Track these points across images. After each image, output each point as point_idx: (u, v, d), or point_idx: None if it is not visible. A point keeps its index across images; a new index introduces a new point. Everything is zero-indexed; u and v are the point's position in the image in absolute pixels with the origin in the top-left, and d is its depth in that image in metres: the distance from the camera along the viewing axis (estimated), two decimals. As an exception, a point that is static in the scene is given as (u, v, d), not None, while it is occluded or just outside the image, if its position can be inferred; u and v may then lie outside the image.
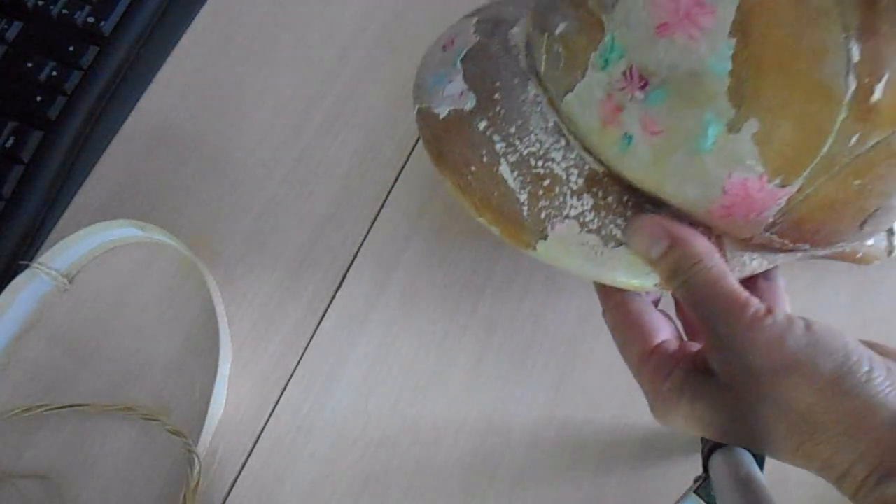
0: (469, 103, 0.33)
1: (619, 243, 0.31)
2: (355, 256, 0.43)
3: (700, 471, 0.36)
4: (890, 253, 0.35)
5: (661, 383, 0.29)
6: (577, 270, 0.31)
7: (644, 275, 0.31)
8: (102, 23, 0.46)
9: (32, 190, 0.43)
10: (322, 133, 0.46)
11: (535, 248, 0.31)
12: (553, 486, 0.38)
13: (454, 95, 0.34)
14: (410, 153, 0.45)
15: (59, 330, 0.42)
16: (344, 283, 0.42)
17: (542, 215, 0.31)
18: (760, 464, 0.34)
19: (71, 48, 0.46)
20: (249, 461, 0.39)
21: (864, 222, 0.29)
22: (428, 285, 0.42)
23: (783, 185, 0.27)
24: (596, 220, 0.31)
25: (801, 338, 0.26)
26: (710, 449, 0.35)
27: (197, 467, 0.37)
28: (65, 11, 0.46)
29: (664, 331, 0.31)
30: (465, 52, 0.35)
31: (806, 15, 0.24)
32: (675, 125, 0.27)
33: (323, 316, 0.42)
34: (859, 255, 0.35)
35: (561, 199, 0.31)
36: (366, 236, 0.43)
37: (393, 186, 0.44)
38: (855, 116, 0.25)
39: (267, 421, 0.40)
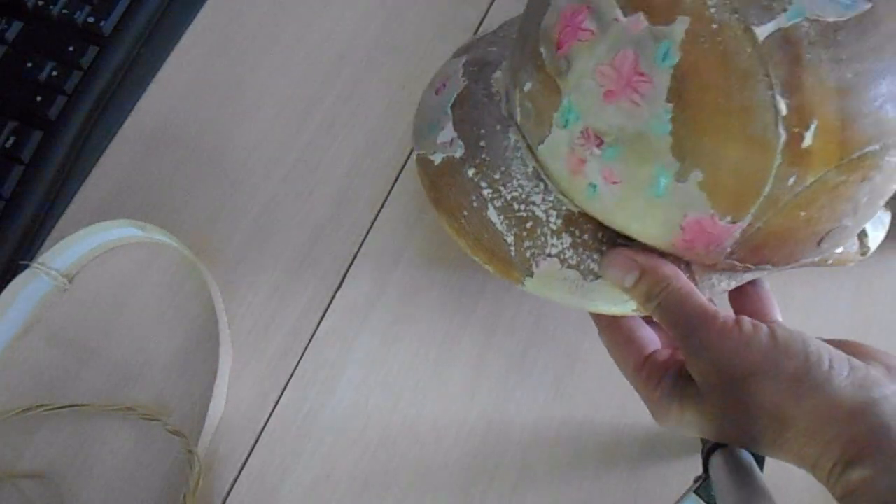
0: (459, 151, 0.36)
1: (597, 276, 0.34)
2: (355, 256, 0.43)
3: (700, 471, 0.36)
4: (864, 254, 0.36)
5: (654, 390, 0.31)
6: (561, 302, 0.34)
7: (622, 302, 0.34)
8: (102, 23, 0.46)
9: (32, 190, 0.43)
10: (322, 133, 0.46)
11: (523, 284, 0.35)
12: (553, 486, 0.38)
13: (446, 143, 0.37)
14: (410, 153, 0.45)
15: (59, 330, 0.42)
16: (344, 283, 0.42)
17: (528, 254, 0.35)
18: (760, 464, 0.34)
19: (71, 48, 0.46)
20: (249, 461, 0.39)
21: (821, 240, 0.31)
22: (428, 285, 0.42)
23: (734, 222, 0.29)
24: (574, 257, 0.34)
25: (765, 343, 0.28)
26: (710, 449, 0.35)
27: (197, 467, 0.37)
28: (65, 11, 0.46)
29: (655, 342, 0.34)
30: (454, 97, 0.38)
31: (733, 78, 0.26)
32: (631, 176, 0.30)
33: (323, 316, 0.42)
34: (830, 262, 0.36)
35: (542, 239, 0.34)
36: (366, 236, 0.43)
37: (393, 186, 0.44)
38: (789, 162, 0.27)
39: (267, 421, 0.40)
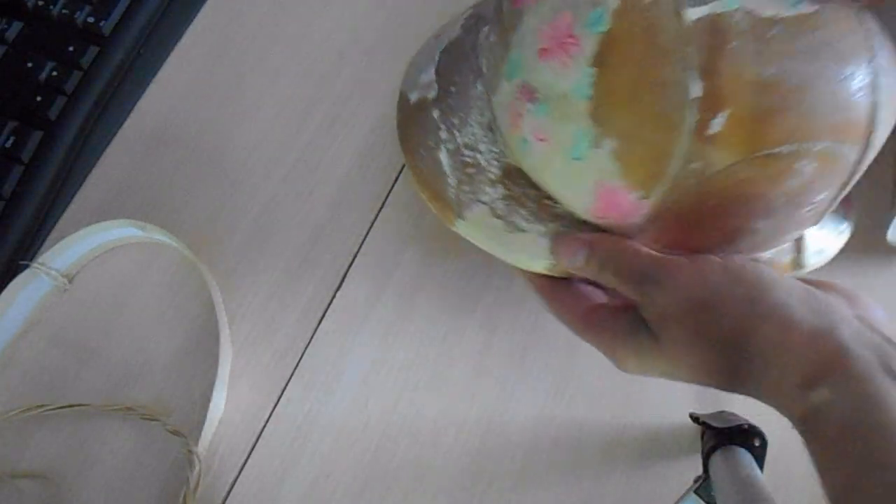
0: (432, 93, 0.38)
1: (521, 230, 0.35)
2: (355, 256, 0.43)
3: (700, 471, 0.36)
4: (798, 267, 0.36)
5: (609, 334, 0.31)
6: (487, 249, 0.36)
7: (540, 257, 0.35)
8: (102, 23, 0.46)
9: (32, 190, 0.43)
10: (322, 133, 0.46)
11: (455, 225, 0.36)
12: (553, 486, 0.38)
13: (425, 84, 0.38)
14: (410, 153, 0.45)
15: (59, 330, 0.42)
16: (344, 283, 0.42)
17: (464, 198, 0.36)
18: (760, 464, 0.34)
19: (71, 48, 0.46)
20: (249, 461, 0.39)
21: (734, 239, 0.31)
22: (428, 285, 0.42)
23: (644, 198, 0.30)
24: (503, 208, 0.35)
25: (718, 271, 0.28)
26: (710, 449, 0.35)
27: (197, 467, 0.37)
28: (65, 11, 0.46)
29: (598, 295, 0.34)
30: (445, 44, 0.39)
31: (653, 53, 0.27)
32: (555, 135, 0.31)
33: (323, 316, 0.42)
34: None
35: (480, 186, 0.36)
36: (366, 236, 0.43)
37: (393, 186, 0.44)
38: (695, 145, 0.28)
39: (267, 421, 0.40)
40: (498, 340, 0.41)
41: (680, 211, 0.30)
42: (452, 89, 0.37)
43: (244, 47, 0.48)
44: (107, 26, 0.47)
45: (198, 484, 0.37)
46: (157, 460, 0.39)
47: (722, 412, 0.38)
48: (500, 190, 0.35)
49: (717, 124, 0.27)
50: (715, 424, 0.36)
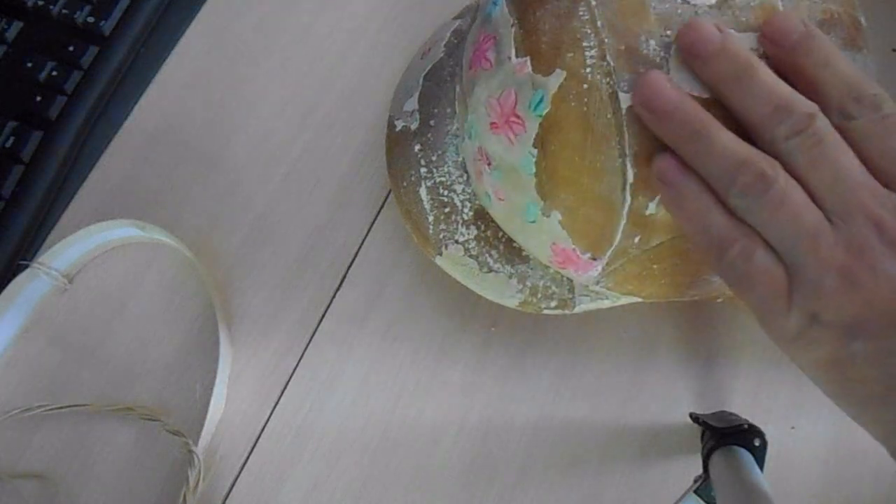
0: (415, 123, 0.39)
1: (490, 270, 0.37)
2: (355, 256, 0.43)
3: (700, 471, 0.36)
4: None
5: None
6: (462, 282, 0.38)
7: (510, 296, 0.37)
8: (102, 23, 0.46)
9: (32, 190, 0.43)
10: (322, 133, 0.46)
11: (434, 259, 0.38)
12: (553, 485, 0.38)
13: (408, 112, 0.40)
14: (410, 153, 0.45)
15: (59, 330, 0.42)
16: (344, 283, 0.42)
17: (441, 236, 0.38)
18: (760, 464, 0.34)
19: (71, 48, 0.46)
20: (249, 461, 0.39)
21: (689, 289, 0.32)
22: (427, 285, 0.42)
23: (594, 259, 0.31)
24: (476, 248, 0.37)
25: None
26: (710, 449, 0.35)
27: (197, 467, 0.37)
28: (65, 11, 0.46)
29: None
30: (429, 67, 0.40)
31: (591, 139, 0.28)
32: (510, 199, 0.32)
33: (323, 316, 0.42)
34: (720, 300, 0.37)
35: (455, 226, 0.37)
36: (366, 236, 0.43)
37: (393, 186, 0.44)
38: (633, 224, 0.29)
39: (267, 421, 0.40)
40: (498, 340, 0.41)
41: (628, 271, 0.31)
42: (432, 122, 0.38)
43: (244, 47, 0.48)
44: (107, 26, 0.46)
45: (198, 484, 0.37)
46: (157, 460, 0.39)
47: (722, 412, 0.38)
48: (473, 231, 0.37)
49: (653, 206, 0.28)
50: (715, 424, 0.36)
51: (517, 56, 0.29)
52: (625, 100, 0.27)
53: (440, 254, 0.38)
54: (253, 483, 0.39)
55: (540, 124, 0.29)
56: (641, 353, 0.40)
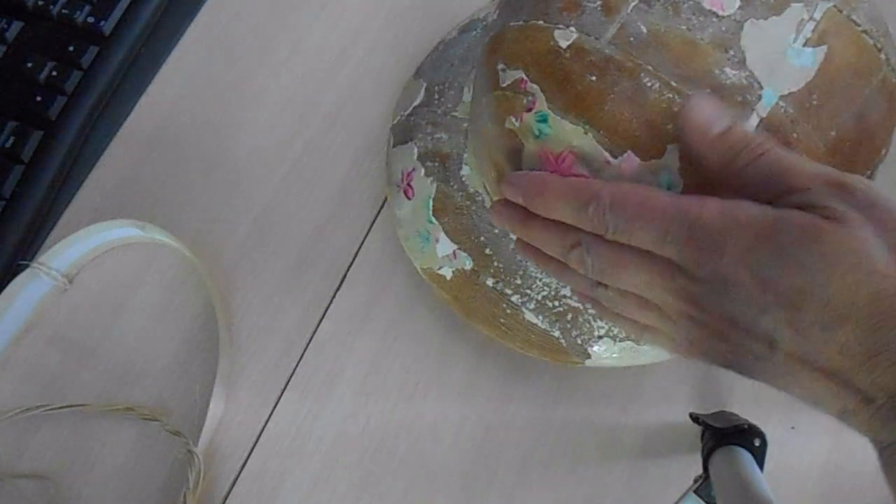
0: (468, 263, 0.38)
1: (628, 338, 0.36)
2: (355, 256, 0.43)
3: (700, 471, 0.36)
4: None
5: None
6: (620, 365, 0.37)
7: (666, 356, 0.37)
8: (102, 23, 0.46)
9: (32, 190, 0.43)
10: (322, 133, 0.46)
11: (584, 364, 0.37)
12: (553, 485, 0.38)
13: (449, 256, 0.38)
14: (410, 153, 0.45)
15: (59, 330, 0.42)
16: (344, 283, 0.42)
17: (579, 341, 0.36)
18: (760, 464, 0.34)
19: (71, 48, 0.46)
20: (249, 461, 0.39)
21: None
22: (428, 285, 0.42)
23: None
24: (622, 331, 0.36)
25: None
26: (710, 449, 0.35)
27: (197, 467, 0.37)
28: (65, 11, 0.46)
29: None
30: (431, 202, 0.38)
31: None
32: None
33: (323, 316, 0.42)
34: None
35: (587, 325, 0.36)
36: (366, 236, 0.43)
37: (393, 186, 0.44)
38: None
39: (267, 421, 0.40)
40: (498, 340, 0.41)
41: None
42: (488, 251, 0.37)
43: (244, 47, 0.48)
44: (107, 26, 0.46)
45: (198, 484, 0.37)
46: (157, 460, 0.39)
47: (722, 412, 0.38)
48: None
49: None
50: (715, 424, 0.36)
51: (614, 156, 0.28)
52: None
53: (588, 357, 0.37)
54: (253, 483, 0.39)
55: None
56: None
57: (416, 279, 0.42)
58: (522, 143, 0.30)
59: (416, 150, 0.40)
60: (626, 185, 0.27)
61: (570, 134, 0.28)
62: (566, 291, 0.36)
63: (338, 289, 0.42)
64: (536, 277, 0.36)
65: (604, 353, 0.36)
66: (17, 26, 0.47)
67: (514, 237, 0.35)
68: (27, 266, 0.41)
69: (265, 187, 0.44)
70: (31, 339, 0.42)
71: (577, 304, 0.36)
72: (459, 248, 0.38)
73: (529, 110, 0.29)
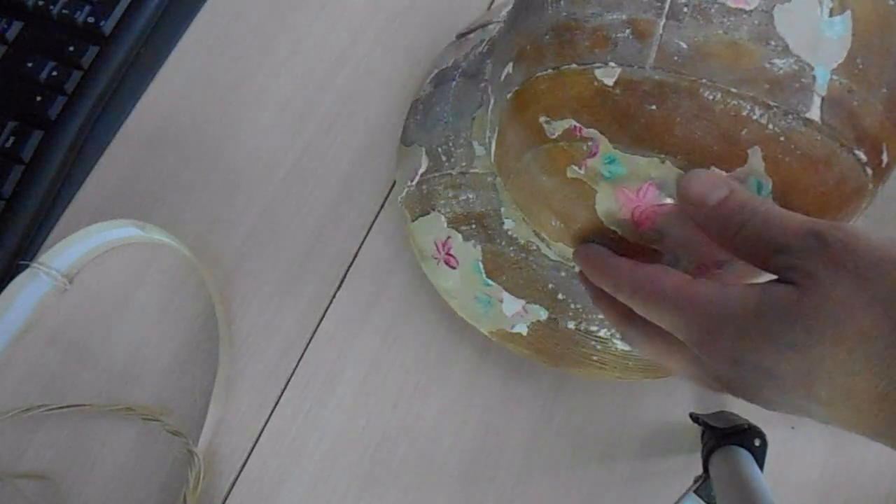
0: (542, 314, 0.37)
1: None
2: (355, 256, 0.43)
3: (700, 471, 0.36)
4: None
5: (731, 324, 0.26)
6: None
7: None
8: (102, 23, 0.46)
9: (32, 190, 0.43)
10: (322, 133, 0.46)
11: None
12: (553, 485, 0.38)
13: (519, 312, 0.37)
14: (410, 153, 0.45)
15: (59, 330, 0.42)
16: (344, 283, 0.42)
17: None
18: (760, 464, 0.34)
19: (71, 48, 0.46)
20: (249, 461, 0.39)
21: None
22: (427, 285, 0.42)
23: None
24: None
25: None
26: (710, 449, 0.35)
27: (197, 467, 0.37)
28: (65, 11, 0.46)
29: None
30: (480, 265, 0.37)
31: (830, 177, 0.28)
32: None
33: (323, 316, 0.42)
34: None
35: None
36: (366, 236, 0.43)
37: (393, 186, 0.44)
38: None
39: (267, 421, 0.40)
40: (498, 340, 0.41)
41: None
42: (560, 297, 0.37)
43: (244, 47, 0.48)
44: (107, 26, 0.46)
45: (198, 484, 0.37)
46: (157, 460, 0.39)
47: (722, 412, 0.38)
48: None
49: None
50: (715, 424, 0.36)
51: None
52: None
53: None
54: (253, 483, 0.39)
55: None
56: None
57: (416, 279, 0.42)
58: (593, 189, 0.29)
59: (443, 219, 0.38)
60: (643, 271, 0.27)
61: (646, 167, 0.27)
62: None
63: (338, 289, 0.42)
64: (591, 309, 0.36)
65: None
66: (17, 26, 0.47)
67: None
68: (27, 266, 0.41)
69: (265, 187, 0.44)
70: (31, 339, 0.42)
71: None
72: (528, 302, 0.37)
73: (593, 155, 0.28)
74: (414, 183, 0.40)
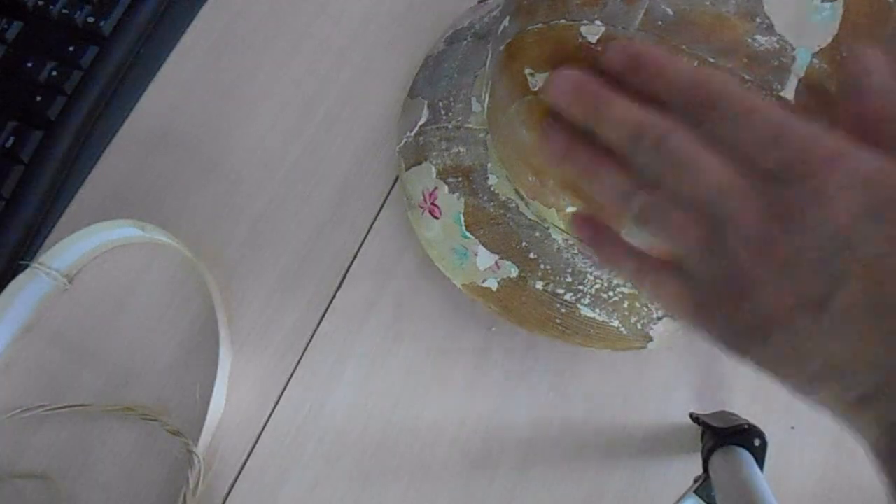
0: (513, 271, 0.37)
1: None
2: (355, 256, 0.43)
3: (700, 471, 0.36)
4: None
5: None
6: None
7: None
8: (102, 23, 0.46)
9: (32, 190, 0.43)
10: (322, 133, 0.46)
11: (646, 348, 0.38)
12: (553, 485, 0.38)
13: (491, 267, 0.37)
14: (410, 153, 0.45)
15: (59, 330, 0.42)
16: (344, 283, 0.42)
17: (639, 326, 0.37)
18: (760, 464, 0.34)
19: (71, 48, 0.46)
20: (249, 461, 0.39)
21: None
22: (428, 285, 0.42)
23: None
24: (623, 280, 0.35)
25: None
26: (710, 449, 0.35)
27: (197, 467, 0.37)
28: (65, 11, 0.46)
29: None
30: (462, 217, 0.38)
31: None
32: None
33: (323, 316, 0.42)
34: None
35: (645, 308, 0.36)
36: (366, 236, 0.43)
37: (393, 186, 0.44)
38: None
39: (267, 421, 0.40)
40: (498, 340, 0.41)
41: None
42: (532, 255, 0.37)
43: (244, 47, 0.48)
44: (107, 26, 0.46)
45: (198, 484, 0.37)
46: (157, 460, 0.39)
47: (722, 412, 0.38)
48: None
49: None
50: (715, 424, 0.36)
51: None
52: None
53: (650, 339, 0.37)
54: (253, 483, 0.39)
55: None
56: (641, 353, 0.40)
57: (416, 279, 0.42)
58: None
59: (433, 169, 0.39)
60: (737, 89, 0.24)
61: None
62: (619, 281, 0.36)
63: (338, 288, 0.42)
64: (587, 272, 0.36)
65: (665, 331, 0.37)
66: (17, 26, 0.47)
67: (556, 237, 0.35)
68: (27, 266, 0.41)
69: (265, 187, 0.44)
70: (31, 339, 0.42)
71: (631, 291, 0.36)
72: (501, 258, 0.37)
73: None
74: (412, 133, 0.41)
